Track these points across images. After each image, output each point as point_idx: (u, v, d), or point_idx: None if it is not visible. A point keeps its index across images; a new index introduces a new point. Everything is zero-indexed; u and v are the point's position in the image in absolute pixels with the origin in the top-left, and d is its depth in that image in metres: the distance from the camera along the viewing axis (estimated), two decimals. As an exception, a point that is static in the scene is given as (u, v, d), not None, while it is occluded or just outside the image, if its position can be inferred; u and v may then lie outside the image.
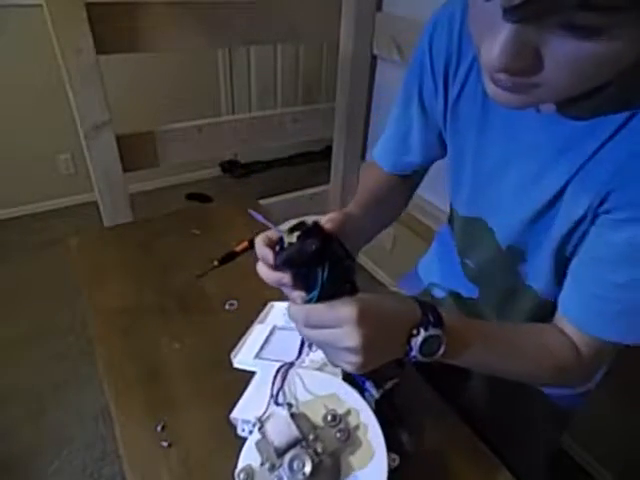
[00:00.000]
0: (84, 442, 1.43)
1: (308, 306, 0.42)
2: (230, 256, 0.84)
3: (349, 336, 0.40)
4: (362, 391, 0.51)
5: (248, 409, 0.54)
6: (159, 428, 0.56)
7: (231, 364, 0.63)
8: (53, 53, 1.12)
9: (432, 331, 0.43)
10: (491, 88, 0.39)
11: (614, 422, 1.17)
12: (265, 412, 0.50)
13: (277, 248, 0.45)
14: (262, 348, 0.64)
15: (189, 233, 0.92)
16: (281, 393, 0.52)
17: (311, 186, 2.03)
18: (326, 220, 0.46)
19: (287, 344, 0.62)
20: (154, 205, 2.58)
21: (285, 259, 0.43)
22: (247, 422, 0.52)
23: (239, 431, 0.53)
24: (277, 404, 0.51)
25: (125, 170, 1.34)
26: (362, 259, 2.23)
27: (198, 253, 0.85)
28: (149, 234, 0.92)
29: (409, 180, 0.72)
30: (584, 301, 0.48)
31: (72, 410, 1.52)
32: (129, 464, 0.53)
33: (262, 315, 0.71)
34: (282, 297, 0.51)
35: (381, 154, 0.70)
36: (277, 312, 0.71)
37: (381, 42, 1.61)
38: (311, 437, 0.45)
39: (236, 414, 0.54)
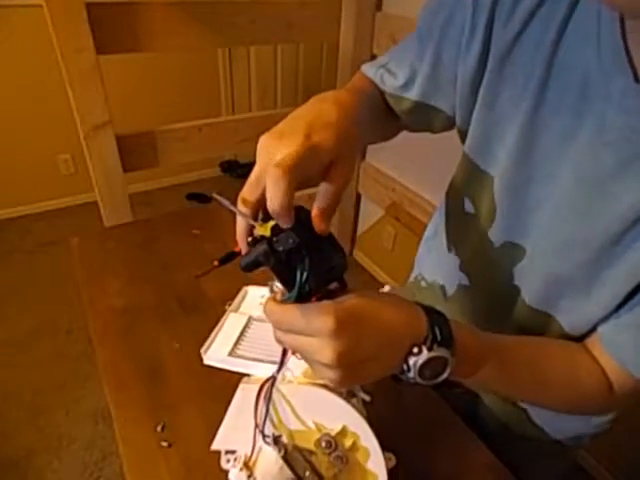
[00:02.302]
0: (84, 442, 1.43)
1: (281, 307, 0.36)
2: (230, 256, 0.84)
3: (322, 350, 0.33)
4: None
5: (230, 439, 0.47)
6: (159, 428, 0.56)
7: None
8: (53, 53, 1.12)
9: (438, 351, 0.36)
10: None
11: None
12: (252, 450, 0.44)
13: (249, 240, 0.37)
14: (237, 343, 0.58)
15: (189, 233, 0.92)
16: (267, 421, 0.45)
17: (311, 186, 2.03)
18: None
19: (265, 339, 0.57)
20: (154, 205, 2.58)
21: (249, 262, 0.35)
22: (231, 453, 0.47)
23: (222, 463, 0.47)
24: (264, 437, 0.44)
25: (125, 170, 1.34)
26: (362, 259, 2.23)
27: (198, 253, 0.85)
28: (149, 234, 0.92)
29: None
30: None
31: (72, 410, 1.52)
32: (129, 464, 0.53)
33: (236, 302, 0.64)
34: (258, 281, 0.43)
35: (371, 76, 0.56)
36: (252, 299, 0.64)
37: (381, 42, 1.61)
38: (307, 474, 0.41)
39: (217, 445, 0.47)
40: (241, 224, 0.37)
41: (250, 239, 0.36)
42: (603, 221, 0.39)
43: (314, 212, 0.35)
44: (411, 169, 1.73)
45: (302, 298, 0.35)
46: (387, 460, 0.43)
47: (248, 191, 0.35)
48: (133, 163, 1.36)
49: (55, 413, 1.51)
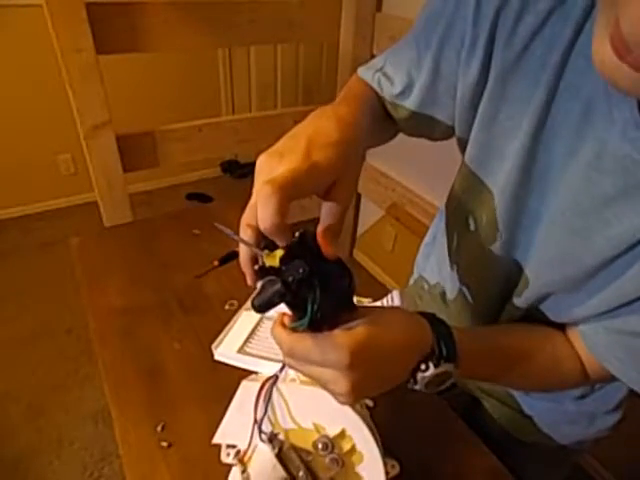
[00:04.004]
0: (84, 442, 1.43)
1: (293, 337, 0.35)
2: (230, 256, 0.84)
3: (337, 382, 0.34)
4: None
5: (231, 433, 0.49)
6: (159, 428, 0.56)
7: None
8: (53, 53, 1.12)
9: (443, 367, 0.38)
10: (611, 64, 0.28)
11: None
12: (249, 445, 0.45)
13: (256, 267, 0.35)
14: (247, 341, 0.59)
15: (189, 233, 0.92)
16: (266, 418, 0.46)
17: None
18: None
19: None
20: (154, 205, 2.58)
21: (264, 303, 0.33)
22: (231, 447, 0.48)
23: (222, 456, 0.49)
24: (261, 433, 0.45)
25: (125, 170, 1.34)
26: (362, 259, 2.23)
27: (198, 253, 0.85)
28: (149, 234, 0.92)
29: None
30: (615, 339, 0.42)
31: (72, 410, 1.52)
32: (129, 464, 0.53)
33: (250, 300, 0.66)
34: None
35: (369, 80, 0.54)
36: None
37: (381, 42, 1.61)
38: (301, 474, 0.42)
39: (218, 439, 0.49)
40: (245, 252, 0.35)
41: (257, 267, 0.35)
42: (596, 244, 0.39)
43: (321, 237, 0.33)
44: (411, 169, 1.73)
45: (313, 324, 0.34)
46: (391, 468, 0.44)
47: (250, 215, 0.33)
48: (133, 163, 1.36)
49: (55, 413, 1.51)
